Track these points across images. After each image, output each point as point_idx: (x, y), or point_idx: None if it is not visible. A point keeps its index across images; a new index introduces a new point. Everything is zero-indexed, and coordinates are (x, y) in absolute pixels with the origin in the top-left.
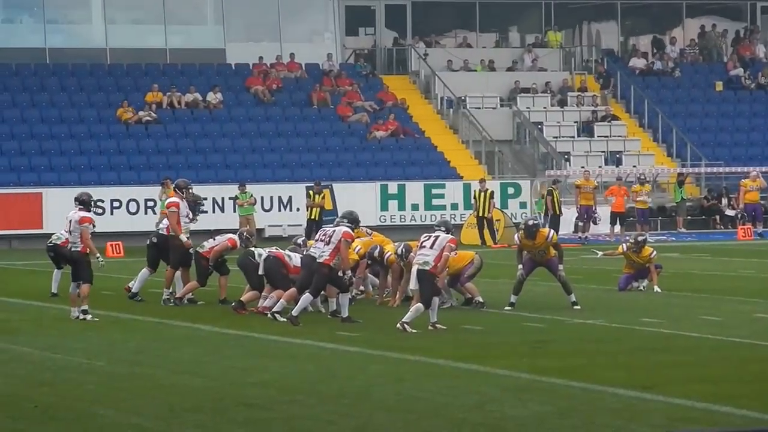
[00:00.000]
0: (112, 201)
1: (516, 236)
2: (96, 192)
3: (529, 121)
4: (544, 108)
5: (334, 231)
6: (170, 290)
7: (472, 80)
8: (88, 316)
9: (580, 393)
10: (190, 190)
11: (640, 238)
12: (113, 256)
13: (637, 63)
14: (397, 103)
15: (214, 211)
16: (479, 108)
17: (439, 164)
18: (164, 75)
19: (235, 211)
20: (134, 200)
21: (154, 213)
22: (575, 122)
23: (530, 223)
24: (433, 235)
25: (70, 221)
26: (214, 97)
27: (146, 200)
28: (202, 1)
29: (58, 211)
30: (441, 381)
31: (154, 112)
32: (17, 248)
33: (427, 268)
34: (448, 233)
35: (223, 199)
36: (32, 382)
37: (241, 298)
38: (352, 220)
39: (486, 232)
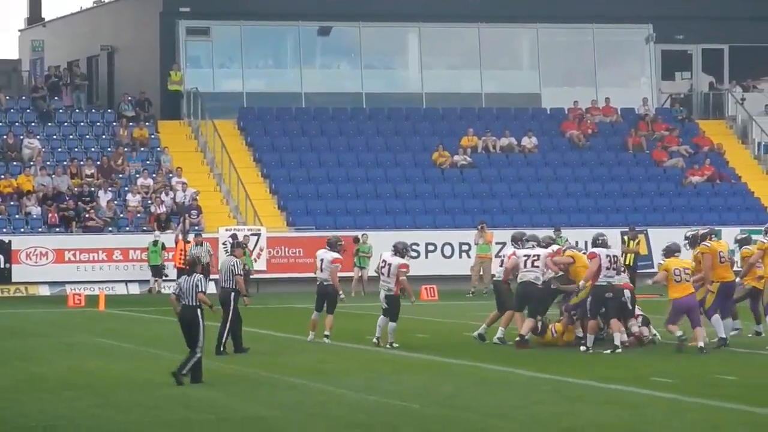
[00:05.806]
0: (426, 245)
1: None
2: (411, 236)
3: None
4: None
5: None
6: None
7: None
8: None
9: None
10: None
11: None
12: (428, 299)
13: None
14: (714, 148)
15: None
16: None
17: (756, 210)
18: (479, 119)
19: None
20: (449, 244)
21: (468, 257)
22: None
23: None
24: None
25: (322, 260)
26: (528, 142)
27: (461, 244)
28: (517, 46)
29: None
30: (760, 430)
31: (469, 156)
32: None
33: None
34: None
35: None
36: (347, 423)
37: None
38: None
39: None
